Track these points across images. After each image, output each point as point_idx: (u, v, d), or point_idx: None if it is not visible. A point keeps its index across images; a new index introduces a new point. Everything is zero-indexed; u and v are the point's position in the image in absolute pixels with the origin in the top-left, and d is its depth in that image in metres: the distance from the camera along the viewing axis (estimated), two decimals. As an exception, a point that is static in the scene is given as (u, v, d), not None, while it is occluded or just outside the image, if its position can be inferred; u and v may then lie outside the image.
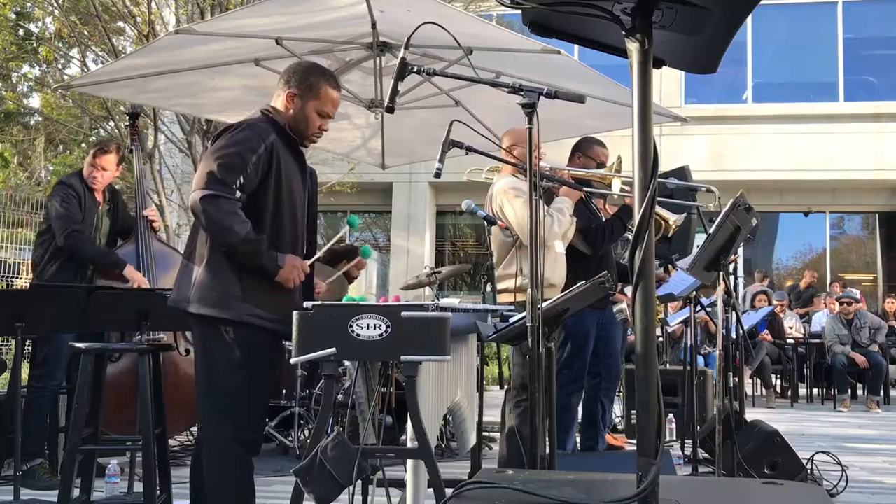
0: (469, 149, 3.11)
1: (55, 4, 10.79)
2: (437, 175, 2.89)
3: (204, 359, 2.72)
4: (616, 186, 4.11)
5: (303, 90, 2.83)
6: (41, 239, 4.45)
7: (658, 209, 4.07)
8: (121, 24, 10.84)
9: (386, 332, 2.38)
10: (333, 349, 2.39)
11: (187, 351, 4.72)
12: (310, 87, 2.83)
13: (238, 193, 2.66)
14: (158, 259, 4.60)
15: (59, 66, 12.35)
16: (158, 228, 4.77)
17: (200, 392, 2.72)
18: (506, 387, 3.89)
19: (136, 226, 4.60)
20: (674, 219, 4.16)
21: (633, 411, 5.76)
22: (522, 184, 3.82)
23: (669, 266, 4.85)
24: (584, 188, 4.13)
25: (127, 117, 5.12)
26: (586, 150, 4.47)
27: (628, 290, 4.11)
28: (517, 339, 2.79)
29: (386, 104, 2.55)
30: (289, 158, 2.82)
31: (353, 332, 2.38)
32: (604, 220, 4.40)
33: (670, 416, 5.64)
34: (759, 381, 9.48)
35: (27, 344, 5.24)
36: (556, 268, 3.89)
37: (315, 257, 2.96)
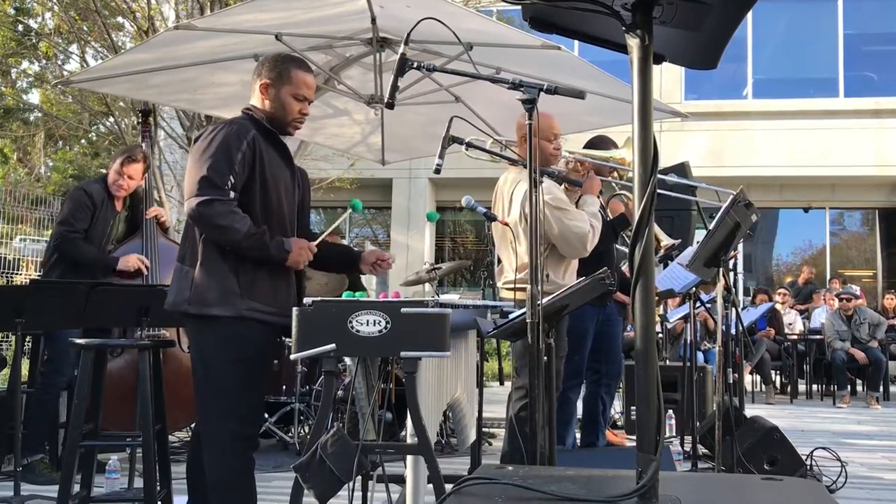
0: (469, 145, 3.11)
1: (54, 0, 10.77)
2: (437, 171, 2.88)
3: (201, 357, 2.72)
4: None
5: (274, 78, 2.84)
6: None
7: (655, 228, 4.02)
8: (120, 19, 10.83)
9: (385, 328, 2.38)
10: (333, 345, 2.39)
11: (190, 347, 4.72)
12: (280, 74, 2.84)
13: (231, 193, 2.67)
14: (164, 255, 4.59)
15: (59, 62, 12.32)
16: (167, 225, 4.75)
17: (200, 390, 2.73)
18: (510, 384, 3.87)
19: (141, 222, 4.60)
20: (665, 242, 4.11)
21: (633, 407, 5.77)
22: (557, 190, 3.66)
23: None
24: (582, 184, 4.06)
25: (139, 114, 5.09)
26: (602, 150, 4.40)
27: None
28: (516, 336, 2.79)
29: (386, 100, 2.55)
30: (271, 153, 2.82)
31: (352, 328, 2.38)
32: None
33: (670, 412, 5.65)
34: (758, 377, 9.49)
35: (27, 340, 5.25)
36: (575, 272, 3.82)
37: (320, 238, 2.94)
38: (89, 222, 4.37)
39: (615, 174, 4.17)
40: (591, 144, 4.46)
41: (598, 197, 4.45)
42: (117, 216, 4.54)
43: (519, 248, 3.64)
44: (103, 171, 4.68)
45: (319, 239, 2.94)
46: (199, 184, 2.64)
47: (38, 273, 8.99)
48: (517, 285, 3.58)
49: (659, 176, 1.49)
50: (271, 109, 2.85)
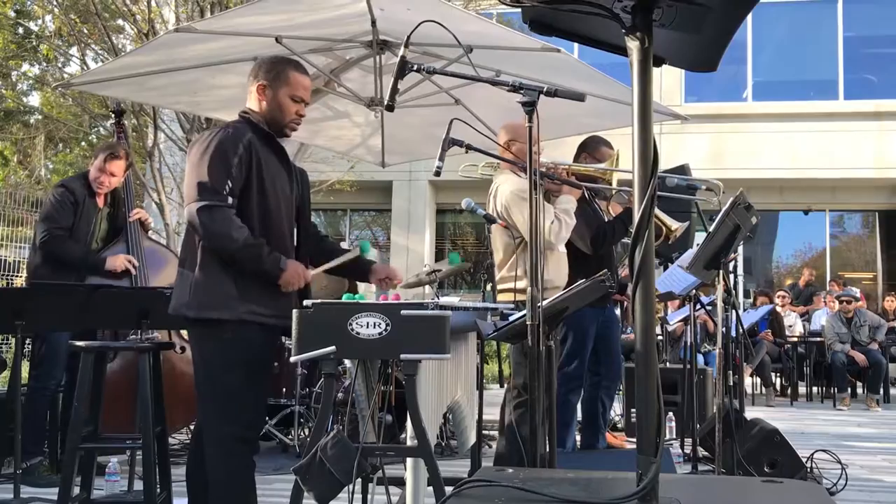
0: (469, 147, 3.11)
1: (55, 3, 10.78)
2: (438, 173, 2.88)
3: (203, 360, 2.73)
4: (613, 182, 4.08)
5: (271, 79, 2.85)
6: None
7: (660, 214, 4.05)
8: (120, 22, 10.84)
9: (385, 330, 2.38)
10: (333, 348, 2.39)
11: (182, 349, 4.72)
12: (277, 76, 2.85)
13: (230, 199, 2.67)
14: (149, 258, 4.58)
15: (59, 65, 12.35)
16: (149, 226, 4.73)
17: (202, 394, 2.73)
18: (506, 385, 3.88)
19: (125, 225, 4.59)
20: (675, 226, 4.12)
21: (633, 409, 5.77)
22: (524, 183, 3.78)
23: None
24: (587, 185, 4.09)
25: (113, 115, 5.08)
26: (593, 150, 4.43)
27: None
28: (516, 338, 2.79)
29: (386, 102, 2.54)
30: (269, 155, 2.82)
31: (352, 330, 2.38)
32: (606, 220, 4.39)
33: (670, 414, 5.64)
34: (758, 379, 9.48)
35: (27, 342, 5.24)
36: (560, 269, 3.87)
37: (319, 269, 2.95)
38: (73, 219, 4.34)
39: (604, 181, 4.21)
40: (583, 145, 4.51)
41: (606, 203, 4.49)
42: (99, 212, 4.53)
43: (496, 244, 3.79)
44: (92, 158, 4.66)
45: (318, 270, 2.93)
46: (199, 188, 2.65)
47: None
48: (500, 284, 3.64)
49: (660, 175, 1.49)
50: (268, 111, 2.85)
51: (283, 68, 2.87)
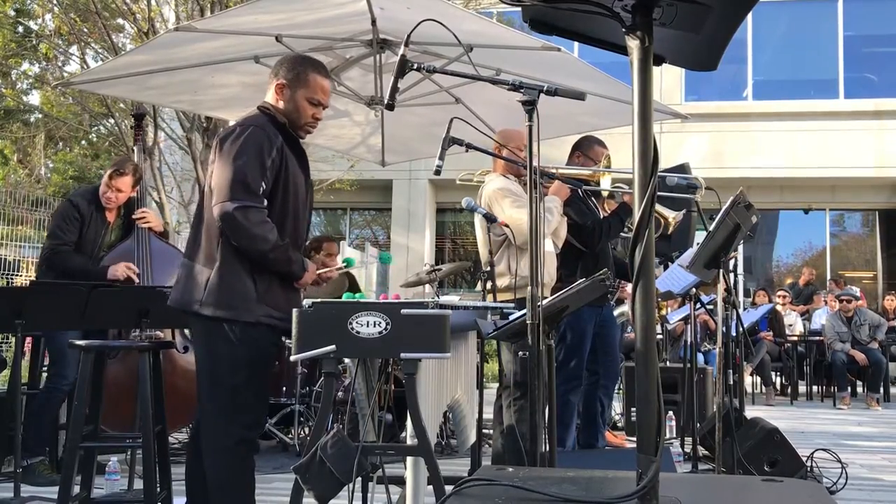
0: (469, 146, 3.11)
1: (55, 1, 10.77)
2: (438, 172, 2.88)
3: (209, 359, 2.72)
4: (606, 184, 4.14)
5: (291, 80, 2.84)
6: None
7: (658, 207, 4.06)
8: (120, 21, 10.83)
9: (386, 329, 2.38)
10: (333, 347, 2.39)
11: (186, 349, 4.71)
12: (298, 76, 2.85)
13: (264, 201, 2.69)
14: (157, 257, 4.58)
15: (59, 64, 12.33)
16: (157, 230, 4.72)
17: (205, 392, 2.72)
18: (499, 384, 3.89)
19: (135, 225, 4.60)
20: (673, 216, 4.15)
21: (633, 409, 5.77)
22: (511, 184, 3.89)
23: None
24: (582, 186, 4.12)
25: (132, 118, 5.10)
26: (586, 149, 4.46)
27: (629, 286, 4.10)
28: (516, 337, 2.79)
29: (386, 101, 2.54)
30: (293, 158, 2.83)
31: (352, 329, 2.38)
32: (601, 217, 4.40)
33: (670, 413, 5.64)
34: (758, 378, 9.49)
35: (27, 341, 5.24)
36: (546, 267, 3.88)
37: (327, 271, 3.05)
38: (78, 234, 4.39)
39: (593, 182, 4.26)
40: (577, 144, 4.53)
41: (599, 206, 4.51)
42: (108, 226, 4.54)
43: (482, 242, 3.86)
44: (103, 172, 4.69)
45: (326, 271, 3.05)
46: (236, 188, 2.63)
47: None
48: (487, 282, 3.69)
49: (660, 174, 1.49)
50: (285, 111, 2.85)
51: (303, 69, 2.86)
